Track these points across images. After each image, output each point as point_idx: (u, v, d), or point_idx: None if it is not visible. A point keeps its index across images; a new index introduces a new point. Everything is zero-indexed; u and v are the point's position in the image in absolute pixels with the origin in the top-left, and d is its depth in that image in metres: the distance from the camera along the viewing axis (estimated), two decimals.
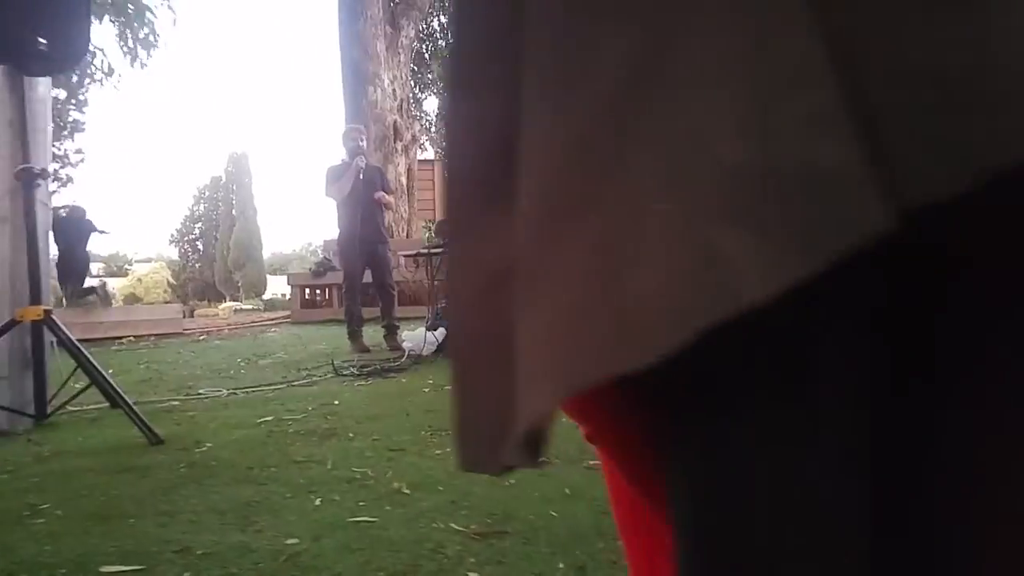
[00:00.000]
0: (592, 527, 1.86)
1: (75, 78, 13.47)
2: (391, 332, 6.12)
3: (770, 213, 0.30)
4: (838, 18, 0.32)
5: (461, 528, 1.89)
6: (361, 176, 5.96)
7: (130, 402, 2.94)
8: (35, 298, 3.06)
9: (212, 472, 2.46)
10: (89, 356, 3.01)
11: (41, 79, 3.32)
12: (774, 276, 0.30)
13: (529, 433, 0.39)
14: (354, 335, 6.07)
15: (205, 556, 1.75)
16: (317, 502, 2.13)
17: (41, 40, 2.98)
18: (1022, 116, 0.29)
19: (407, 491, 2.20)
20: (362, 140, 6.29)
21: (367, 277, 6.26)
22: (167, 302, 26.07)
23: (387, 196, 6.29)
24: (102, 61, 12.54)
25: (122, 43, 12.36)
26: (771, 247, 0.30)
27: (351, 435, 2.96)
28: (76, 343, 3.02)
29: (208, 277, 41.03)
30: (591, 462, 2.41)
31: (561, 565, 1.64)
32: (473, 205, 0.47)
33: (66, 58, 3.16)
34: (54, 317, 3.06)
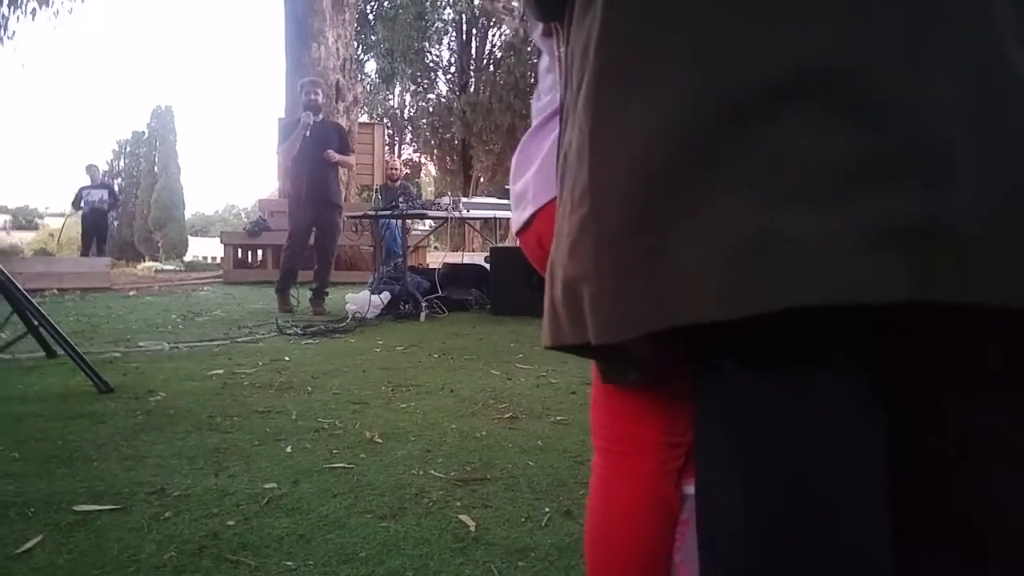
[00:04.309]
0: (570, 475, 1.92)
1: (3, 8, 12.21)
2: (319, 296, 5.89)
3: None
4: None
5: (440, 475, 1.91)
6: (308, 134, 5.72)
7: (78, 350, 2.81)
8: None
9: (172, 420, 2.39)
10: (32, 301, 2.86)
11: None
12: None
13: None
14: (282, 292, 5.87)
15: (182, 498, 1.72)
16: (288, 449, 2.11)
17: None
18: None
19: (379, 440, 2.21)
20: (315, 94, 5.96)
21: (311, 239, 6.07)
22: None
23: (336, 155, 5.89)
24: None
25: None
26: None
27: (310, 389, 2.93)
28: (19, 287, 2.86)
29: (127, 236, 39.13)
30: (558, 418, 2.47)
31: (547, 509, 1.69)
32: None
33: None
34: None
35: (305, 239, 5.95)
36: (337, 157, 5.90)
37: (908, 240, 0.46)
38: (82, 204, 11.80)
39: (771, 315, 0.49)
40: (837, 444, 0.53)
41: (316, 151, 5.76)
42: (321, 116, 5.97)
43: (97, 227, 11.87)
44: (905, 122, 0.47)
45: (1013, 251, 0.46)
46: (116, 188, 12.74)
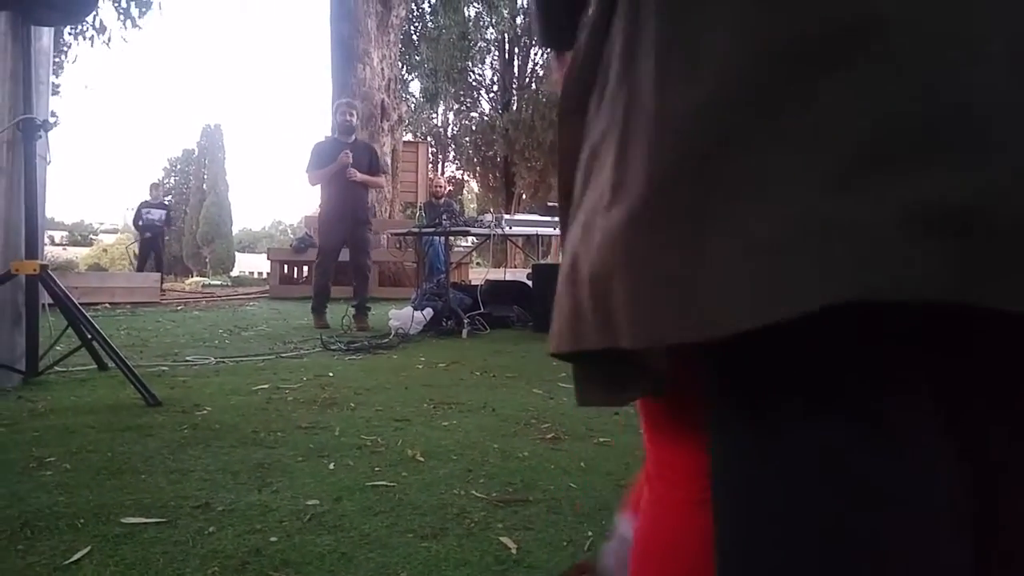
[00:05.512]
0: (614, 498, 1.87)
1: (65, 36, 12.88)
2: (361, 312, 5.92)
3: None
4: None
5: (482, 495, 1.89)
6: (349, 173, 5.81)
7: (129, 363, 2.88)
8: (31, 252, 2.97)
9: (217, 434, 2.42)
10: (86, 315, 2.94)
11: (45, 29, 3.21)
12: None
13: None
14: (317, 310, 5.96)
15: (226, 513, 1.73)
16: (331, 466, 2.12)
17: None
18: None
19: (421, 459, 2.20)
20: (350, 115, 6.06)
21: (344, 256, 6.14)
22: None
23: (359, 174, 5.89)
24: (94, 17, 12.06)
25: (115, 1, 12.06)
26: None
27: (353, 405, 2.94)
28: (74, 301, 2.95)
29: (176, 251, 40.34)
30: (601, 439, 2.43)
31: (590, 533, 1.65)
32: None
33: (75, 9, 3.05)
34: (51, 272, 2.98)
35: (335, 257, 6.06)
36: (360, 176, 5.93)
37: (950, 230, 0.39)
38: (140, 222, 12.26)
39: (806, 329, 0.42)
40: (915, 487, 0.45)
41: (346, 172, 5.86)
42: (354, 137, 6.06)
43: (155, 246, 12.28)
44: (944, 86, 0.40)
45: None
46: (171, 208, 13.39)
